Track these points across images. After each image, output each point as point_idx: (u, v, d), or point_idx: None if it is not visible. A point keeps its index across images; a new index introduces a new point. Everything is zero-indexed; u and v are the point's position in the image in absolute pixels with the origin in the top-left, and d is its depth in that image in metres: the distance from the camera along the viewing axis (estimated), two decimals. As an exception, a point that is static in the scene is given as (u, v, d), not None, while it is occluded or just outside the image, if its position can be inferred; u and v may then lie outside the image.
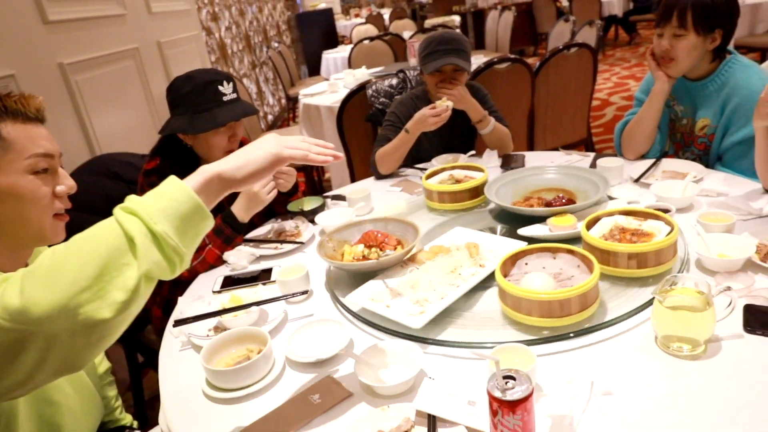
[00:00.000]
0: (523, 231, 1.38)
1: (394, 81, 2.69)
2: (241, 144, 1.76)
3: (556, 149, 2.10)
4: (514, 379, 0.73)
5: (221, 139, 1.59)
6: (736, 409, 0.82)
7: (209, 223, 0.82)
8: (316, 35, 8.52)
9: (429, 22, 7.47)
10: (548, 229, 1.37)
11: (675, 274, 1.03)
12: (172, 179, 0.80)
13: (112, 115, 2.49)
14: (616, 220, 1.28)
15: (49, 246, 1.00)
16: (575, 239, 1.29)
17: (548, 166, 1.68)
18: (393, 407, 0.90)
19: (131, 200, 0.76)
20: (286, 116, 6.46)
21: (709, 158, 1.79)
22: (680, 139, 1.87)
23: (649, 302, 1.06)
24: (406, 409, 0.89)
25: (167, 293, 1.72)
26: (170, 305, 1.73)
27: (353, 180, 2.98)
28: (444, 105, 1.85)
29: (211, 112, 1.53)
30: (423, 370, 0.98)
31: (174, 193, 0.78)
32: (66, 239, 0.81)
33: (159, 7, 3.19)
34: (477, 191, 1.66)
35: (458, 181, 1.72)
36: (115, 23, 2.70)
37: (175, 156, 1.60)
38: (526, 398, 0.71)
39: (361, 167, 2.99)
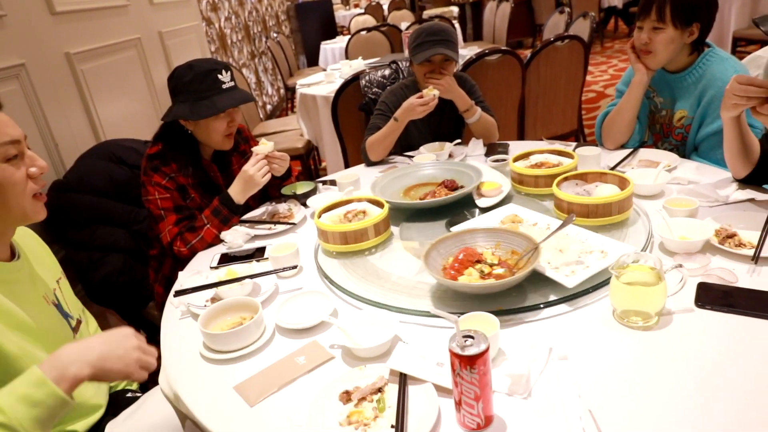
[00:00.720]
0: (456, 228, 1.41)
1: (387, 72, 2.78)
2: (238, 132, 1.85)
3: (541, 139, 2.18)
4: (472, 338, 0.82)
5: (221, 125, 1.68)
6: (682, 375, 0.90)
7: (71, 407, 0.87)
8: (314, 25, 8.56)
9: (427, 13, 7.51)
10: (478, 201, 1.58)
11: (631, 253, 1.12)
12: (42, 382, 0.83)
13: (116, 103, 2.57)
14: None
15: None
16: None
17: (424, 164, 1.84)
18: (369, 367, 1.00)
19: (5, 413, 0.79)
20: (285, 106, 6.54)
21: (686, 148, 1.88)
22: (659, 130, 1.96)
23: (608, 279, 1.15)
24: (380, 369, 0.99)
25: (168, 272, 1.81)
26: (171, 282, 1.82)
27: (347, 166, 3.06)
28: (431, 94, 1.94)
29: (211, 99, 1.62)
30: (397, 335, 1.07)
31: (48, 401, 0.82)
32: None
33: (160, -2, 3.27)
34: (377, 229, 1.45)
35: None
36: (118, 14, 2.78)
37: (176, 141, 1.69)
38: (481, 354, 0.80)
39: (354, 154, 3.07)
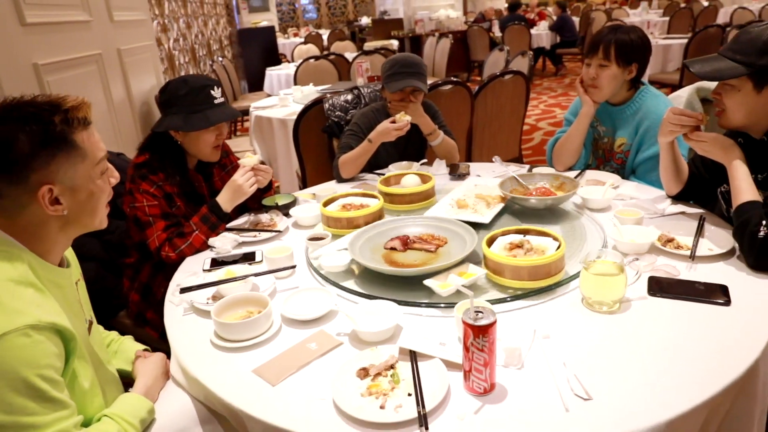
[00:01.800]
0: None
1: (350, 97, 2.93)
2: (222, 152, 1.92)
3: (491, 161, 2.39)
4: (482, 312, 0.96)
5: (210, 137, 1.76)
6: (640, 351, 1.09)
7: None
8: (257, 52, 8.64)
9: (369, 45, 7.80)
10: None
11: (599, 249, 1.30)
12: (152, 409, 1.14)
13: (78, 116, 2.56)
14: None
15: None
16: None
17: (412, 218, 1.68)
18: (380, 348, 1.11)
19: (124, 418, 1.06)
20: (229, 129, 6.53)
21: (625, 171, 2.13)
22: (602, 155, 2.21)
23: (577, 274, 1.33)
24: (391, 349, 1.10)
25: (146, 279, 1.84)
26: (149, 289, 1.86)
27: (305, 185, 3.16)
28: (404, 119, 2.11)
29: (204, 113, 1.70)
30: (399, 324, 1.20)
31: (149, 418, 1.12)
32: None
33: (120, 16, 3.28)
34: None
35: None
36: (82, 29, 2.79)
37: (163, 151, 1.75)
38: (491, 324, 0.94)
39: (312, 173, 3.17)
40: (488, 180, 2.07)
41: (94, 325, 1.28)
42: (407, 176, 1.99)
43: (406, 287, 1.35)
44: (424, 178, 1.97)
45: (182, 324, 1.31)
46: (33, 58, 2.26)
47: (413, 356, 1.07)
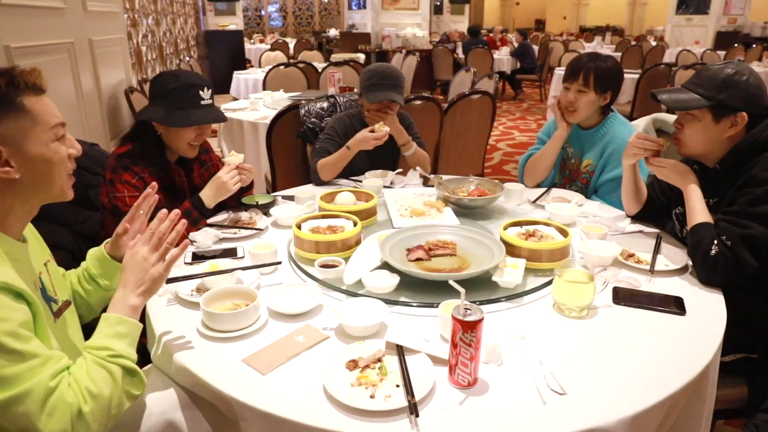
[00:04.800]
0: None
1: (325, 104, 2.98)
2: (201, 144, 1.93)
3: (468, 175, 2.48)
4: (470, 309, 1.03)
5: (189, 134, 1.77)
6: (607, 353, 1.18)
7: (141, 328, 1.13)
8: (223, 55, 8.59)
9: (337, 57, 7.87)
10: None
11: (570, 259, 1.40)
12: (121, 320, 1.08)
13: (47, 104, 2.51)
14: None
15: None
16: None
17: (445, 226, 1.72)
18: (367, 342, 1.16)
19: (108, 348, 1.04)
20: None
21: (588, 190, 2.26)
22: (569, 174, 2.34)
23: (550, 281, 1.42)
24: (378, 343, 1.15)
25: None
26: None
27: (275, 188, 3.17)
28: (383, 130, 2.18)
29: (187, 111, 1.71)
30: (384, 322, 1.25)
31: (129, 330, 1.09)
32: None
33: (93, 6, 3.24)
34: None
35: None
36: (56, 15, 2.74)
37: (146, 143, 1.75)
38: (479, 321, 1.01)
39: (283, 177, 3.19)
40: (414, 189, 2.20)
41: (70, 309, 1.27)
42: (341, 194, 1.90)
43: (445, 290, 1.34)
44: (367, 197, 1.92)
45: (166, 314, 1.31)
46: (5, 40, 2.22)
47: (400, 350, 1.12)
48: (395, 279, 1.39)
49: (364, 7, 10.27)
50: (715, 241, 1.43)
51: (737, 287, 1.45)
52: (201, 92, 1.74)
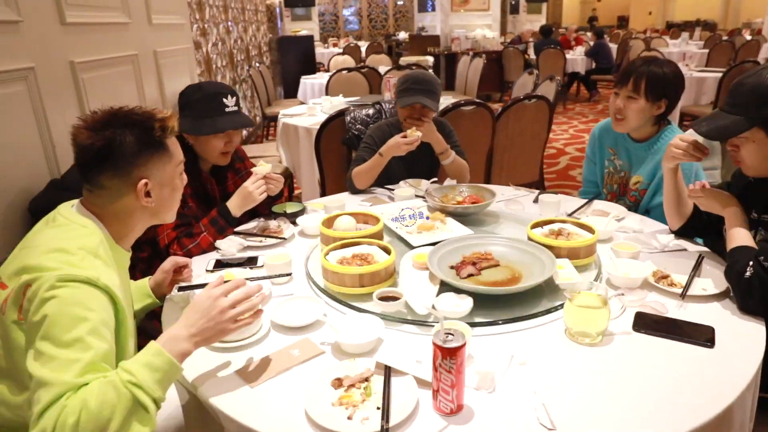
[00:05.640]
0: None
1: (371, 111, 2.99)
2: (235, 151, 1.99)
3: (507, 184, 2.41)
4: (452, 335, 0.99)
5: (219, 143, 1.83)
6: (613, 385, 1.09)
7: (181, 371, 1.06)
8: (294, 59, 8.83)
9: (404, 60, 7.89)
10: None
11: (589, 282, 1.32)
12: (160, 352, 1.02)
13: (109, 113, 2.68)
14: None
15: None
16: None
17: (497, 239, 1.66)
18: (358, 360, 1.15)
19: (132, 373, 0.97)
20: (260, 133, 6.68)
21: (637, 210, 2.09)
22: (616, 189, 2.20)
23: (562, 304, 1.35)
24: (368, 362, 1.14)
25: (155, 274, 1.91)
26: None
27: (323, 194, 3.23)
28: (415, 135, 2.15)
29: (213, 119, 1.78)
30: (381, 338, 1.23)
31: (165, 367, 1.01)
32: None
33: (158, 19, 3.42)
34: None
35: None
36: (120, 30, 2.92)
37: (179, 153, 1.83)
38: (460, 347, 0.97)
39: (332, 184, 3.24)
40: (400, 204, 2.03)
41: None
42: (341, 218, 1.74)
43: (503, 303, 1.38)
44: (371, 219, 1.79)
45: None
46: (70, 56, 2.38)
47: (387, 371, 1.10)
48: (466, 299, 1.34)
49: (434, 9, 10.21)
50: (751, 263, 1.30)
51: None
52: (225, 100, 1.80)
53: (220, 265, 1.65)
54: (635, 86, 1.95)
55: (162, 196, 1.24)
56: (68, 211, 1.19)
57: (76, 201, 1.22)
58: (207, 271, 1.61)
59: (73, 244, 1.09)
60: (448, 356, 0.97)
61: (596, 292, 1.25)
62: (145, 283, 1.49)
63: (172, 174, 1.26)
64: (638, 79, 1.94)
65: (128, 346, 1.17)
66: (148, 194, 1.20)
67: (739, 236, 1.42)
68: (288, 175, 4.13)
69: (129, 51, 2.98)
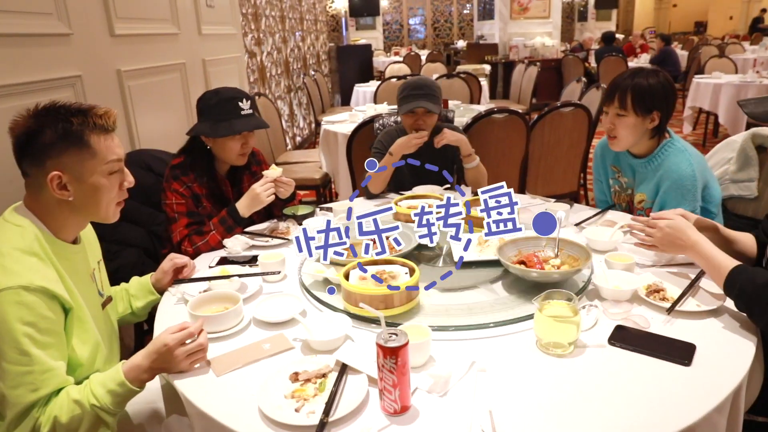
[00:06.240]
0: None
1: (399, 118, 3.03)
2: (253, 154, 2.09)
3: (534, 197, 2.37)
4: (396, 335, 1.02)
5: (236, 144, 1.94)
6: (570, 397, 1.07)
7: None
8: (353, 68, 9.03)
9: (460, 68, 7.87)
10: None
11: (554, 290, 1.29)
12: (123, 383, 1.18)
13: (154, 118, 2.87)
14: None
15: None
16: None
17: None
18: (319, 356, 1.19)
19: (97, 398, 1.16)
20: (313, 139, 6.88)
21: None
22: (625, 207, 2.11)
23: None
24: (327, 359, 1.18)
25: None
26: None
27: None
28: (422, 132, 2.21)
29: (229, 122, 1.88)
30: (348, 335, 1.27)
31: (126, 393, 1.18)
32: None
33: (208, 30, 3.62)
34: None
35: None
36: (169, 40, 3.11)
37: (197, 155, 1.95)
38: (401, 347, 1.00)
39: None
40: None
41: (113, 302, 1.48)
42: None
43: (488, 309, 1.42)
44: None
45: (170, 311, 1.46)
46: (117, 65, 2.57)
47: (343, 368, 1.14)
48: None
49: (493, 17, 10.12)
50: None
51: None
52: (240, 103, 1.89)
53: (224, 262, 1.74)
54: (621, 102, 1.85)
55: (82, 192, 1.25)
56: (9, 212, 1.26)
57: (20, 201, 1.28)
58: (210, 267, 1.70)
59: (7, 246, 1.17)
60: (389, 355, 1.00)
61: (566, 302, 1.24)
62: (147, 280, 1.59)
63: (93, 170, 1.24)
64: (623, 94, 1.85)
65: (89, 327, 1.27)
66: (64, 187, 1.22)
67: (719, 262, 1.34)
68: (328, 181, 4.25)
69: (177, 60, 3.17)
